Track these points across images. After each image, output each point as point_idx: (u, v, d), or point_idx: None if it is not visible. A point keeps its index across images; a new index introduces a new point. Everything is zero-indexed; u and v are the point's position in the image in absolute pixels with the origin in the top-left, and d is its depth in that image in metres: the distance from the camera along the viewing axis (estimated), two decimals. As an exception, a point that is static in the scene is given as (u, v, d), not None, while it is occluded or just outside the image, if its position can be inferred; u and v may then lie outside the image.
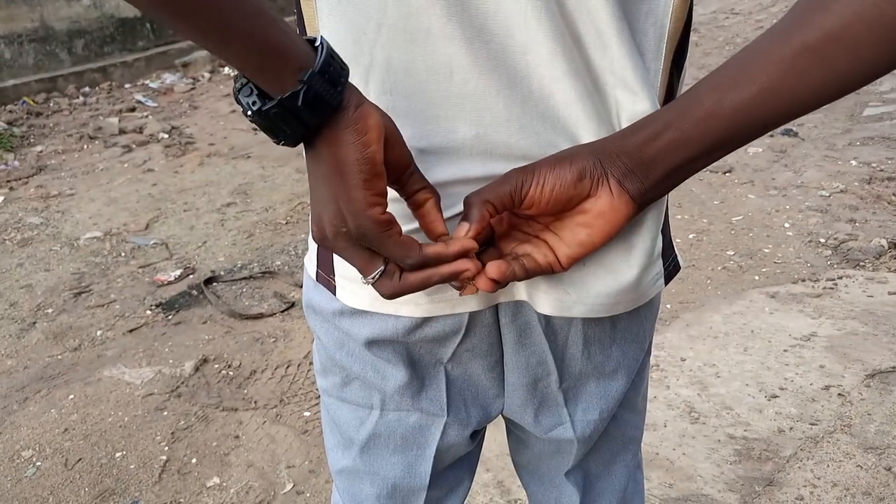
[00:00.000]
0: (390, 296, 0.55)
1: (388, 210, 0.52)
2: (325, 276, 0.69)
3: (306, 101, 0.47)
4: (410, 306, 0.63)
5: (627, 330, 0.70)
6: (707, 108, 0.52)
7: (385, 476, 0.75)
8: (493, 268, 0.55)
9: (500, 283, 0.56)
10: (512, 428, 0.83)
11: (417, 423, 0.72)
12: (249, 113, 0.48)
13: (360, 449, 0.74)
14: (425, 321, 0.65)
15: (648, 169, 0.54)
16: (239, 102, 0.49)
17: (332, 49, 0.49)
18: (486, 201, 0.55)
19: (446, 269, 0.54)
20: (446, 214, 0.58)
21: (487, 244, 0.60)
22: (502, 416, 0.77)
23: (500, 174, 0.56)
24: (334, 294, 0.68)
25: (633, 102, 0.56)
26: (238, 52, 0.46)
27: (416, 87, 0.57)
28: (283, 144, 0.51)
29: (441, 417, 0.71)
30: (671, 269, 0.67)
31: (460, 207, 0.57)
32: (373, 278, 0.54)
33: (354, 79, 0.58)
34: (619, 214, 0.55)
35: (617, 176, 0.54)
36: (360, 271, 0.54)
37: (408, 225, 0.60)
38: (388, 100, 0.57)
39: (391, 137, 0.52)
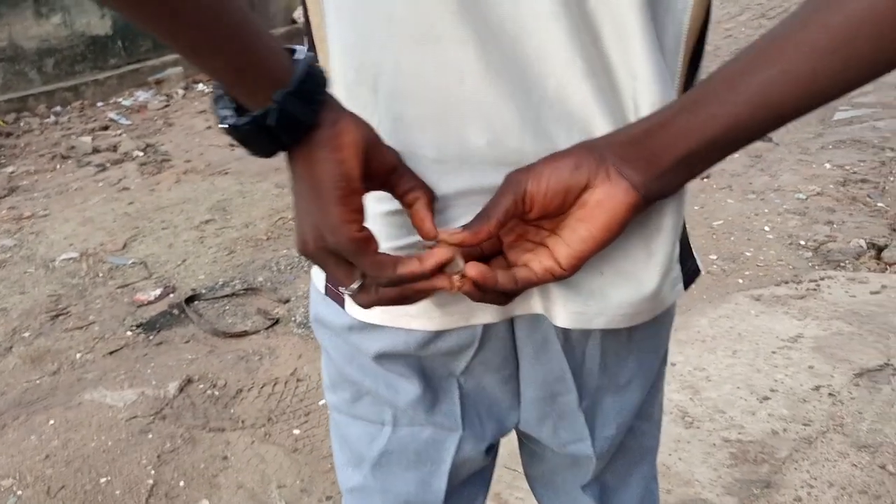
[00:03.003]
0: (366, 307, 0.57)
1: (366, 226, 0.51)
2: (334, 290, 0.67)
3: (278, 120, 0.46)
4: (423, 319, 0.62)
5: (644, 340, 0.69)
6: (722, 94, 0.49)
7: (398, 493, 0.72)
8: (473, 268, 0.53)
9: (481, 287, 0.54)
10: (526, 441, 0.82)
11: (431, 437, 0.70)
12: (222, 126, 0.48)
13: (371, 466, 0.72)
14: (438, 335, 0.63)
15: (655, 156, 0.51)
16: (215, 113, 0.48)
17: (311, 65, 0.48)
18: (492, 219, 0.53)
19: (423, 285, 0.54)
20: (459, 224, 0.57)
21: (495, 254, 0.58)
22: (516, 429, 0.75)
23: None
24: (343, 308, 0.66)
25: (652, 103, 0.54)
26: (214, 66, 0.46)
27: (426, 93, 0.55)
28: (258, 156, 0.50)
29: (456, 432, 0.69)
30: (690, 273, 0.66)
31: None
32: (352, 290, 0.54)
33: (363, 87, 0.56)
34: (616, 202, 0.52)
35: (616, 164, 0.52)
36: (339, 283, 0.55)
37: (409, 238, 0.58)
38: (397, 107, 0.56)
39: (371, 148, 0.51)
